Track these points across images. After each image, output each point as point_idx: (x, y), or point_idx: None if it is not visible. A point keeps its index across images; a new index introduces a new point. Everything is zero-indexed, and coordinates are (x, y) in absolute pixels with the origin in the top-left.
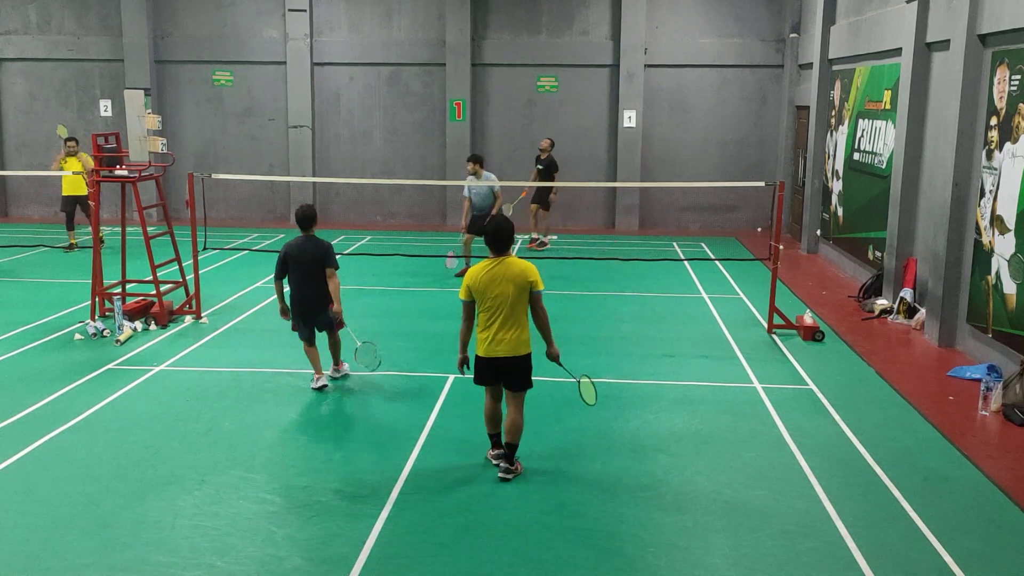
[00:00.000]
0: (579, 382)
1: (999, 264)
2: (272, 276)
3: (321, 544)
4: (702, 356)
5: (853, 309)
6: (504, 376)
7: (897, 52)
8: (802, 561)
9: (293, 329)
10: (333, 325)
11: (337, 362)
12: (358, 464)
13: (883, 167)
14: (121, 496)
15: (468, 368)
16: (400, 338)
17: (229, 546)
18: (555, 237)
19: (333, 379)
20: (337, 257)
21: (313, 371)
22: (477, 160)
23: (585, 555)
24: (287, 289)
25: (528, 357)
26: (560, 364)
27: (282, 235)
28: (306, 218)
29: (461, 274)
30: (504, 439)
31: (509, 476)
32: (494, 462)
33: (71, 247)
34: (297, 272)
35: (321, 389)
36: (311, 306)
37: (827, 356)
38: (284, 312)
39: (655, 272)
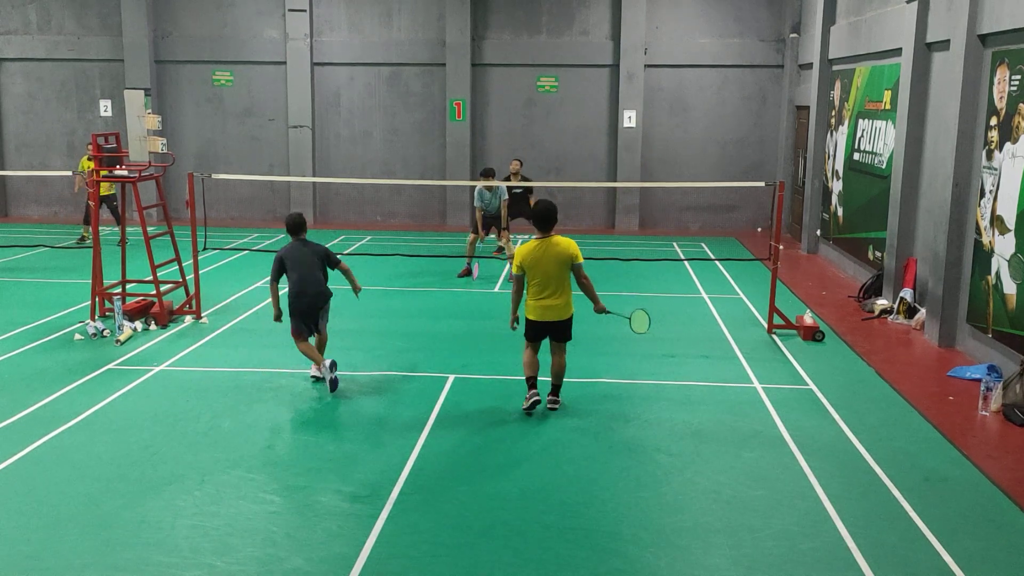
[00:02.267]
0: (630, 317)
1: (999, 264)
2: (267, 279)
3: (321, 544)
4: (702, 356)
5: (853, 309)
6: (550, 333)
7: (897, 52)
8: (802, 561)
9: (293, 333)
10: (323, 324)
11: (320, 360)
12: (358, 464)
13: (883, 167)
14: (121, 496)
15: (517, 324)
16: (400, 338)
17: (229, 546)
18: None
19: (315, 378)
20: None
21: (313, 364)
22: (491, 174)
23: (585, 555)
24: (283, 291)
25: (571, 319)
26: (609, 311)
27: (282, 235)
28: (296, 224)
29: (463, 275)
30: (552, 380)
31: (557, 406)
32: (527, 405)
33: (82, 239)
34: (296, 273)
35: (321, 378)
36: (310, 307)
37: (827, 356)
38: (279, 316)
39: (655, 272)
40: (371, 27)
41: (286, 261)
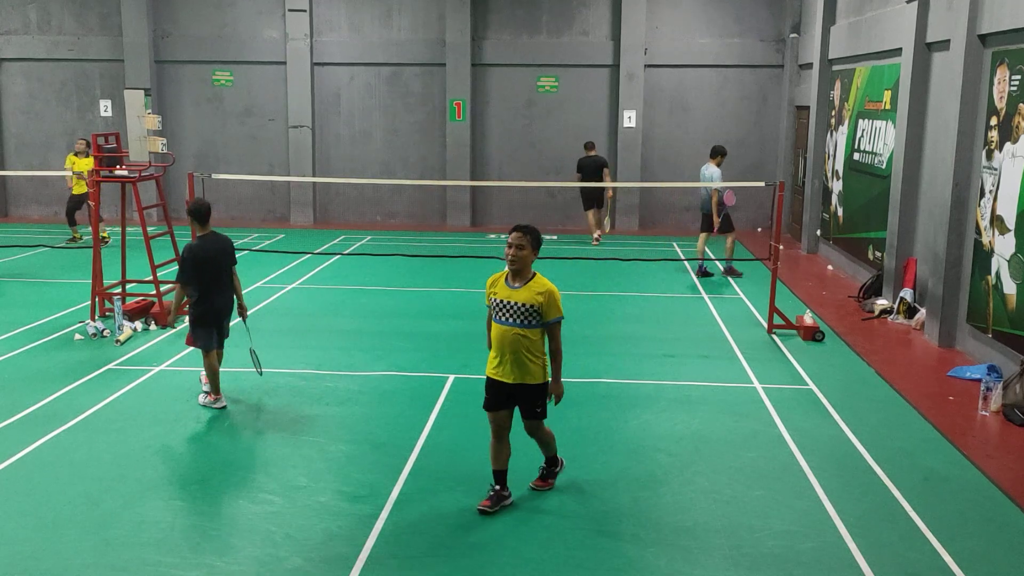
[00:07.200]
0: None
1: (999, 264)
2: (263, 281)
3: (321, 544)
4: (702, 356)
5: (853, 309)
6: (515, 402)
7: (897, 52)
8: (802, 561)
9: (190, 343)
10: (223, 338)
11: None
12: (358, 464)
13: (883, 167)
14: (121, 496)
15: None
16: (400, 338)
17: (229, 546)
18: (554, 237)
19: (204, 404)
20: (336, 258)
21: (210, 388)
22: (723, 153)
23: (585, 555)
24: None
25: (543, 386)
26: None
27: (282, 235)
28: (206, 211)
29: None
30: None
31: (546, 486)
32: (486, 505)
33: (74, 240)
34: (209, 274)
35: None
36: (225, 312)
37: (827, 356)
38: (174, 321)
39: (655, 272)
40: (371, 27)
41: (199, 261)
